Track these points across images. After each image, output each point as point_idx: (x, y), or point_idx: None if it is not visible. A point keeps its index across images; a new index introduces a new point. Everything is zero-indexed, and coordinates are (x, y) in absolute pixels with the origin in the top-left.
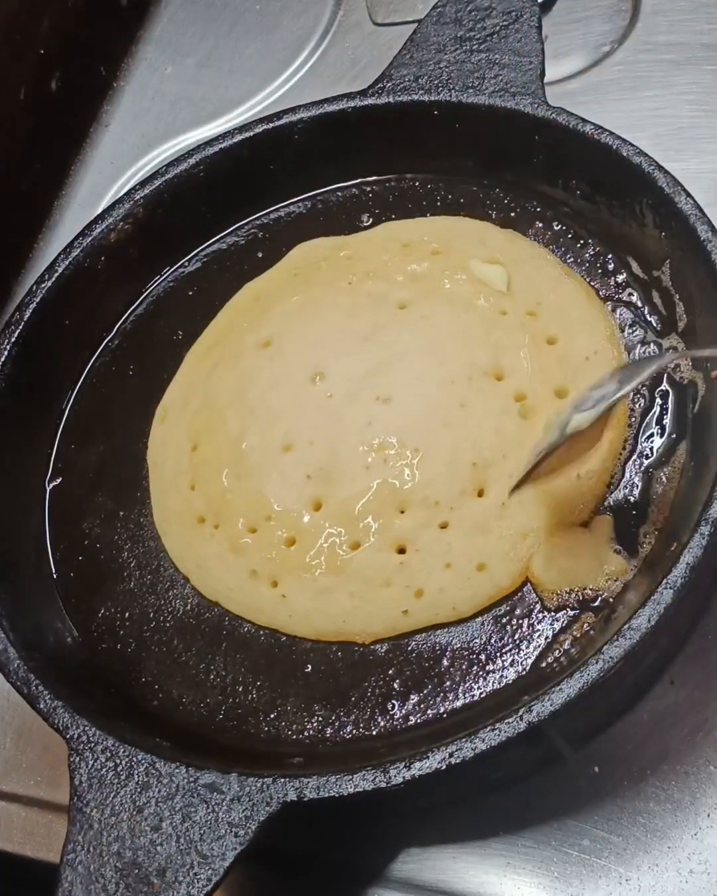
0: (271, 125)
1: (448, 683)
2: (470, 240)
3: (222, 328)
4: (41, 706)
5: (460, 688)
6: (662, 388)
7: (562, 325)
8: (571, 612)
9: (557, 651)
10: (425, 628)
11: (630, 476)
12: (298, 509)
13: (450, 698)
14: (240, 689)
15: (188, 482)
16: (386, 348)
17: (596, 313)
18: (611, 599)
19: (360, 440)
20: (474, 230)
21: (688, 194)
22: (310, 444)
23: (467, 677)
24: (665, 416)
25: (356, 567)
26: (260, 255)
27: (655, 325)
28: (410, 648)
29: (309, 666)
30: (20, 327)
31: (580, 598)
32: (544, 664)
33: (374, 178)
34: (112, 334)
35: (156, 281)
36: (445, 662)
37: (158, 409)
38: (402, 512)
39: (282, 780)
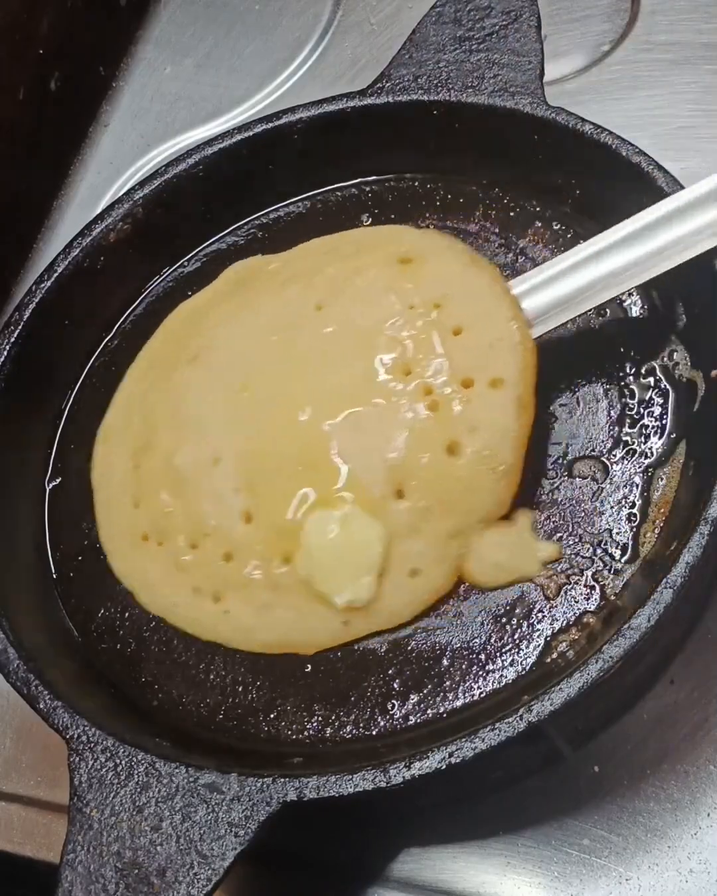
0: (271, 125)
1: (448, 683)
2: (385, 239)
3: (157, 348)
4: (41, 706)
5: (460, 688)
6: (662, 387)
7: (467, 315)
8: (571, 612)
9: (557, 651)
10: (367, 637)
11: (630, 476)
12: (230, 523)
13: (450, 698)
14: (240, 689)
15: (132, 500)
16: (304, 353)
17: (499, 298)
18: (611, 598)
19: (283, 449)
20: (391, 232)
21: None
22: (236, 456)
23: (467, 677)
24: (665, 416)
25: (292, 580)
26: (260, 255)
27: (654, 324)
28: (409, 648)
29: (309, 666)
30: (20, 327)
31: (580, 596)
32: (544, 664)
33: (373, 178)
34: (112, 334)
35: (155, 281)
36: (445, 662)
37: (100, 431)
38: None
39: (282, 780)
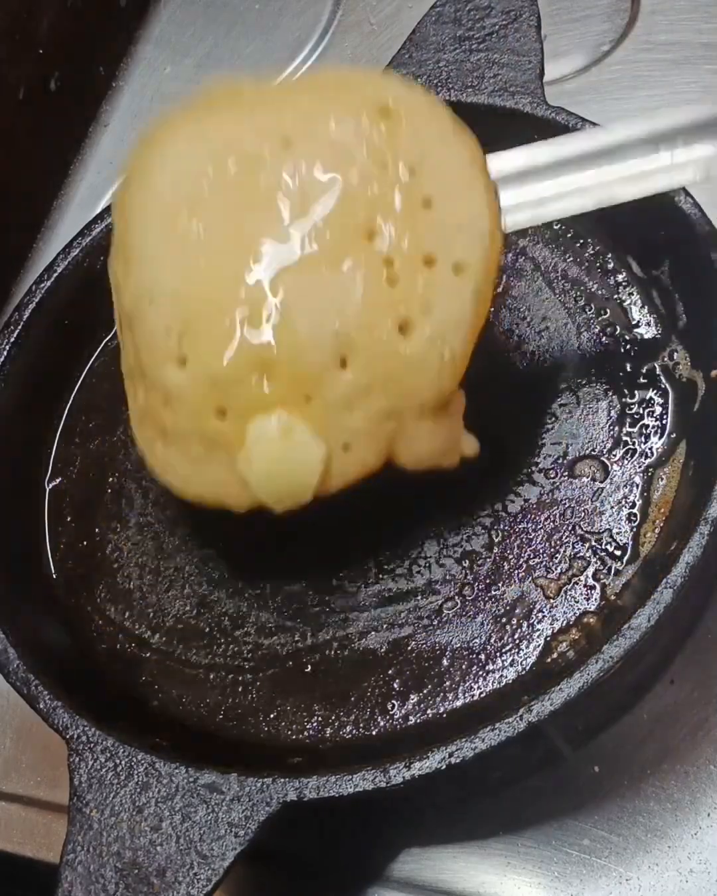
0: None
1: (448, 683)
2: (368, 84)
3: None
4: (41, 706)
5: (460, 688)
6: (662, 387)
7: (440, 189)
8: (571, 612)
9: (557, 651)
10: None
11: (630, 476)
12: (161, 366)
13: (450, 698)
14: (240, 690)
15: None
16: (263, 192)
17: (475, 178)
18: (611, 598)
19: (226, 295)
20: (376, 79)
21: (688, 194)
22: (172, 294)
23: (467, 677)
24: (665, 416)
25: (224, 439)
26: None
27: (655, 324)
28: (409, 648)
29: (309, 666)
30: (19, 327)
31: (580, 596)
32: (544, 664)
33: None
34: (111, 335)
35: None
36: (445, 662)
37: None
38: (266, 380)
39: (282, 780)
